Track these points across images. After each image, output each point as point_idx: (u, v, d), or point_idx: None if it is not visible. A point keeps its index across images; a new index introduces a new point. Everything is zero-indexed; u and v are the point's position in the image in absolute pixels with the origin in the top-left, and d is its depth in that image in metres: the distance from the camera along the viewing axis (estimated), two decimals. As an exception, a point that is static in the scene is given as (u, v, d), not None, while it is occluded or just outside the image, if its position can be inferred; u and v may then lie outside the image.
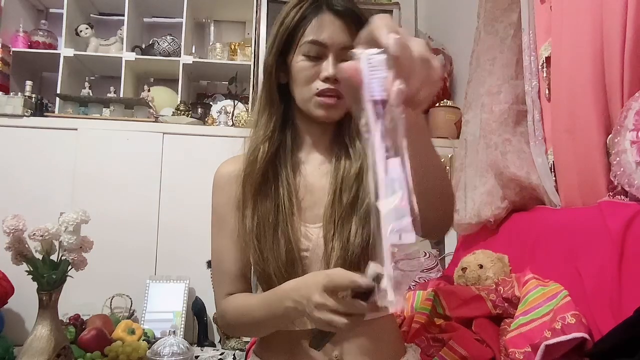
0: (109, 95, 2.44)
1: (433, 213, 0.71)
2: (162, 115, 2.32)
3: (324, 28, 0.84)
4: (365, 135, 0.54)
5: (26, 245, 1.30)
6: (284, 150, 0.90)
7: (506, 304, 1.22)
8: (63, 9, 2.40)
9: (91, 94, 2.44)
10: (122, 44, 2.46)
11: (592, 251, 1.14)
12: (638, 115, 1.13)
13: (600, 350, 0.92)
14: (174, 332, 1.67)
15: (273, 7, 2.36)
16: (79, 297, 1.81)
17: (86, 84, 2.47)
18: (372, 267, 0.61)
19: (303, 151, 0.93)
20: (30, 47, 2.43)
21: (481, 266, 1.42)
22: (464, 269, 1.46)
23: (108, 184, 2.08)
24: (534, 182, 1.50)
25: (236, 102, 2.42)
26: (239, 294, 0.90)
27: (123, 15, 2.45)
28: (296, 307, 0.73)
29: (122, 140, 2.13)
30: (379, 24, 0.52)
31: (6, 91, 2.24)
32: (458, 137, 2.08)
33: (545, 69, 1.51)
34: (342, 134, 0.92)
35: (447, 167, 2.14)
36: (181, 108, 2.32)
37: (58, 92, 2.32)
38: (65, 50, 2.37)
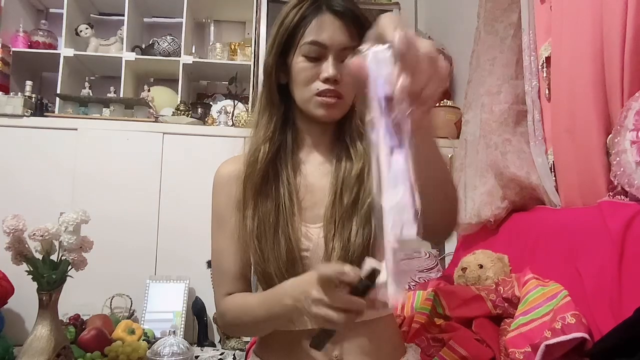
0: (109, 95, 2.44)
1: (437, 215, 0.71)
2: (162, 115, 2.32)
3: (324, 29, 0.83)
4: (370, 131, 0.54)
5: (26, 245, 1.30)
6: (285, 151, 0.90)
7: (506, 304, 1.22)
8: (63, 9, 2.40)
9: (91, 94, 2.44)
10: (122, 44, 2.46)
11: (592, 251, 1.14)
12: (638, 115, 1.13)
13: (600, 350, 0.92)
14: (174, 332, 1.67)
15: (273, 7, 2.36)
16: (79, 297, 1.80)
17: (86, 84, 2.47)
18: (369, 263, 0.61)
19: (303, 151, 0.93)
20: (30, 47, 2.43)
21: (481, 266, 1.42)
22: (464, 269, 1.46)
23: (108, 184, 2.08)
24: (534, 182, 1.50)
25: (236, 102, 2.42)
26: (239, 294, 0.90)
27: (123, 15, 2.45)
28: (295, 305, 0.73)
29: (122, 140, 2.13)
30: (386, 22, 0.53)
31: (6, 91, 2.24)
32: (458, 137, 2.08)
33: (545, 69, 1.51)
34: (342, 135, 0.92)
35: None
36: (181, 108, 2.32)
37: (58, 92, 2.32)
38: (65, 50, 2.37)
